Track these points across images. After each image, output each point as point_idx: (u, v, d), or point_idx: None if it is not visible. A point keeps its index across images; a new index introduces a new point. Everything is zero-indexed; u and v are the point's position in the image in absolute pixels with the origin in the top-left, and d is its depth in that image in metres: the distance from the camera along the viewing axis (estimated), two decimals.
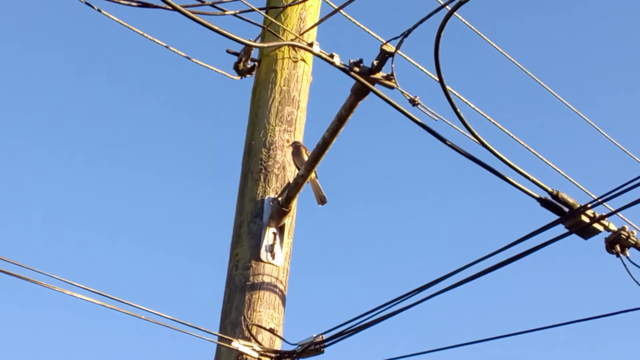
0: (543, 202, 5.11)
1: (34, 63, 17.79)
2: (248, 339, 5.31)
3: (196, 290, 16.76)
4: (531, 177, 5.12)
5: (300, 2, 6.18)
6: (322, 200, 5.90)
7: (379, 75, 5.13)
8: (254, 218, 5.71)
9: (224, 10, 5.55)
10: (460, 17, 6.26)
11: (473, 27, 6.58)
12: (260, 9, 5.99)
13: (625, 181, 4.63)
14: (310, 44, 5.28)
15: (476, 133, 5.04)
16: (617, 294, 13.80)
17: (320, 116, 6.11)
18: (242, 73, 6.48)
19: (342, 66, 5.12)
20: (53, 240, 17.52)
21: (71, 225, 17.57)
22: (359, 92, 5.25)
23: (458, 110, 4.97)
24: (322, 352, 5.32)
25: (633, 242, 5.14)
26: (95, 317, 17.22)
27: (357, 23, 6.19)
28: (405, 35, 4.90)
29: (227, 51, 6.47)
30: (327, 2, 6.40)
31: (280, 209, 5.65)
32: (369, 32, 6.14)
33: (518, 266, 4.87)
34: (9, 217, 17.03)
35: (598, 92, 18.82)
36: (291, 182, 5.71)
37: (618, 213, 4.89)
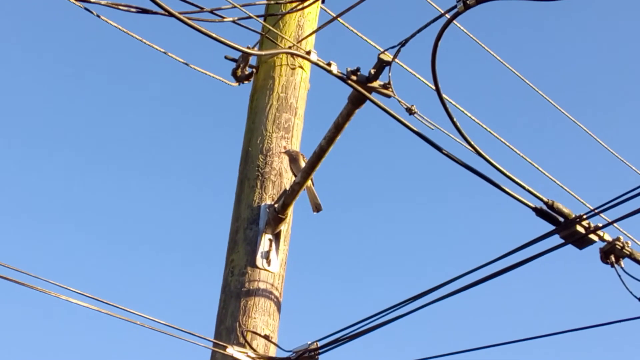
0: (538, 212, 5.11)
1: (34, 67, 17.81)
2: (243, 346, 5.31)
3: (192, 296, 16.76)
4: (527, 186, 5.13)
5: (299, 10, 6.19)
6: (317, 207, 5.91)
7: (376, 84, 5.14)
8: (250, 224, 5.72)
9: (223, 17, 5.56)
10: (458, 25, 6.27)
11: (471, 35, 6.58)
12: (258, 16, 6.01)
13: (622, 192, 4.65)
14: (308, 52, 5.29)
15: (472, 142, 5.05)
16: (611, 304, 13.81)
17: (317, 123, 6.12)
18: (240, 79, 6.49)
19: (340, 74, 5.13)
20: (47, 244, 17.51)
21: (66, 229, 17.57)
22: (356, 101, 5.26)
23: (454, 119, 4.98)
24: (317, 359, 5.33)
25: (628, 253, 5.13)
26: (89, 322, 17.18)
27: (355, 31, 6.21)
28: (403, 44, 4.91)
29: (226, 57, 6.48)
30: (325, 10, 6.43)
31: (277, 216, 5.66)
32: (366, 41, 6.16)
33: (513, 275, 4.89)
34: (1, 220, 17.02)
35: (596, 101, 18.85)
36: (287, 189, 5.72)
37: (614, 224, 4.91)
